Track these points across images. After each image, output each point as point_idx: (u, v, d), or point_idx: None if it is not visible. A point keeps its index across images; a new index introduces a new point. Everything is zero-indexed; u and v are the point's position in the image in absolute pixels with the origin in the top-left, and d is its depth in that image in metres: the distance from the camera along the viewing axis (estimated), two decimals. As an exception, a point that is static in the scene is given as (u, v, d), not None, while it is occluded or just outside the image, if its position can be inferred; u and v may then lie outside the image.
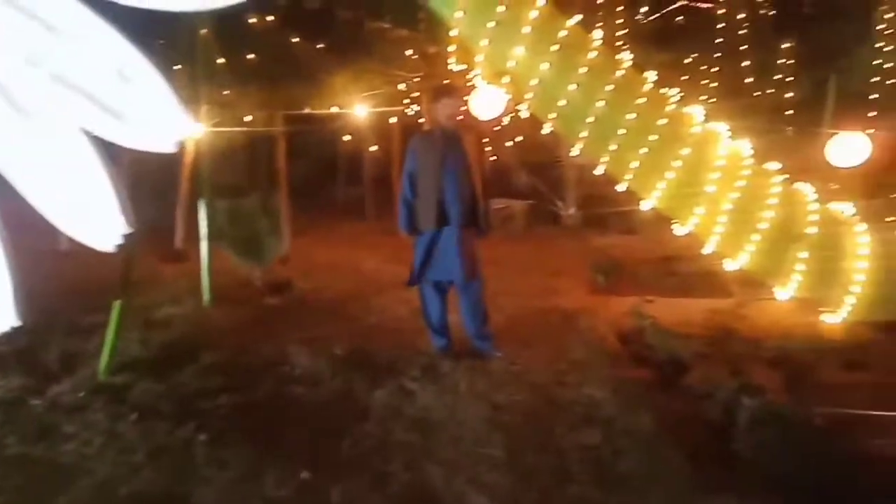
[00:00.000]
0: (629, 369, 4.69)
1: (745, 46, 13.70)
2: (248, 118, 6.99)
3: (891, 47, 11.18)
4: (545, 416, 3.86)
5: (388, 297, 6.08)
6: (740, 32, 13.83)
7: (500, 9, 4.83)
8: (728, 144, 5.06)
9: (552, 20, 4.98)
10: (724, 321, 5.19)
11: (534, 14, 4.86)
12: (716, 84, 11.97)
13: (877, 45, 11.73)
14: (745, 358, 4.71)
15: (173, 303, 5.68)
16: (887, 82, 11.42)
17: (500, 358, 4.67)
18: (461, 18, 4.91)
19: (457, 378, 4.31)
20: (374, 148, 8.26)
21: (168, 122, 2.94)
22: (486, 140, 10.23)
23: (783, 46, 13.36)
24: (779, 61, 13.39)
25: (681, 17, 15.75)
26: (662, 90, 5.10)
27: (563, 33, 4.90)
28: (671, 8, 16.30)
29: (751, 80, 12.42)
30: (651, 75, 5.06)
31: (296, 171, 10.04)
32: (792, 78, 12.16)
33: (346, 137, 7.59)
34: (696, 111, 5.08)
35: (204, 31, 6.09)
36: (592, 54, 4.92)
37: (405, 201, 4.74)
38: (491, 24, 4.86)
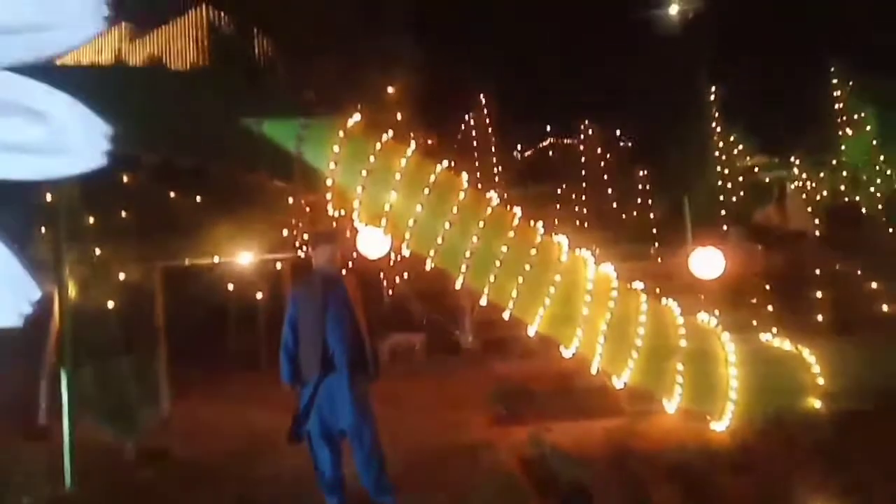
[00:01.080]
0: (530, 497, 4.56)
1: (607, 176, 15.04)
2: (122, 276, 6.67)
3: (727, 170, 12.68)
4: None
5: (280, 455, 5.62)
6: (602, 164, 15.27)
7: (371, 159, 5.06)
8: (595, 269, 5.37)
9: (422, 166, 5.27)
10: (620, 439, 5.23)
11: (404, 162, 5.12)
12: (585, 210, 12.94)
13: (717, 169, 13.28)
14: (643, 475, 4.74)
15: (29, 489, 4.96)
16: (732, 199, 12.84)
17: (401, 510, 4.38)
18: (335, 169, 5.08)
19: (353, 542, 3.97)
20: (259, 295, 8.08)
21: (15, 297, 2.71)
22: (383, 276, 10.40)
23: (640, 173, 14.77)
24: (638, 186, 14.73)
25: (551, 153, 17.30)
26: (530, 222, 5.42)
27: (432, 178, 5.16)
28: (542, 145, 17.92)
29: (615, 204, 13.52)
30: (518, 210, 5.38)
31: (181, 325, 9.51)
32: (650, 201, 13.38)
33: (230, 286, 7.40)
34: (563, 240, 5.40)
35: (69, 191, 5.91)
36: (462, 195, 5.19)
37: (286, 351, 4.56)
38: (364, 173, 5.06)
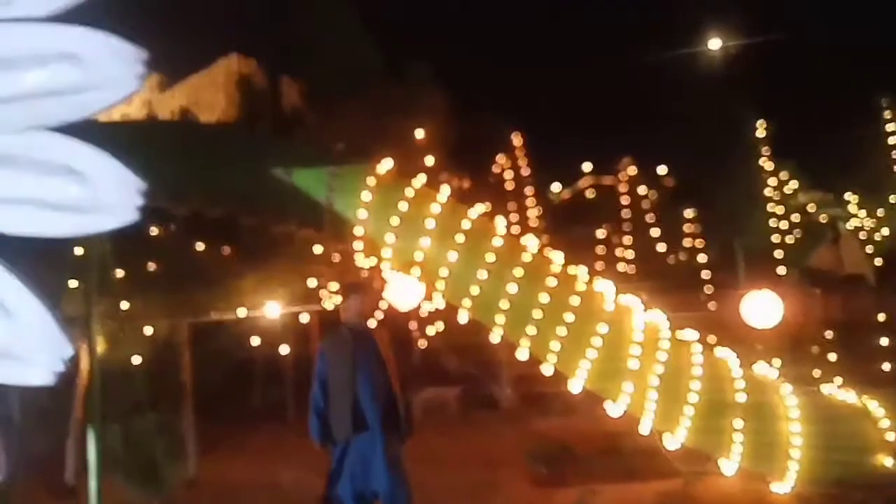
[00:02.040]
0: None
1: (651, 216, 14.89)
2: (149, 331, 6.82)
3: (781, 209, 12.48)
4: None
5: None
6: (644, 205, 15.14)
7: (403, 206, 5.15)
8: (643, 317, 5.29)
9: (455, 212, 5.33)
10: (673, 504, 5.05)
11: (436, 208, 5.19)
12: (629, 254, 12.80)
13: (768, 208, 13.07)
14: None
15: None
16: (786, 240, 12.58)
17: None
18: (365, 217, 5.18)
19: None
20: (285, 349, 8.15)
21: (49, 355, 2.80)
22: (415, 327, 10.41)
23: (687, 214, 14.59)
24: (685, 228, 14.53)
25: (589, 194, 17.25)
26: (571, 269, 5.40)
27: (466, 224, 5.22)
28: (579, 186, 17.90)
29: (661, 247, 13.33)
30: (558, 256, 5.37)
31: (208, 379, 9.60)
32: (699, 243, 13.15)
33: (256, 340, 7.49)
34: (607, 287, 5.36)
35: (99, 245, 6.13)
36: (498, 241, 5.22)
37: (316, 409, 4.56)
38: (395, 221, 5.14)
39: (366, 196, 5.23)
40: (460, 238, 5.16)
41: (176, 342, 7.10)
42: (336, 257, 5.90)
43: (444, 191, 5.47)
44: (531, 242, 5.40)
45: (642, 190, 15.28)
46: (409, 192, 5.33)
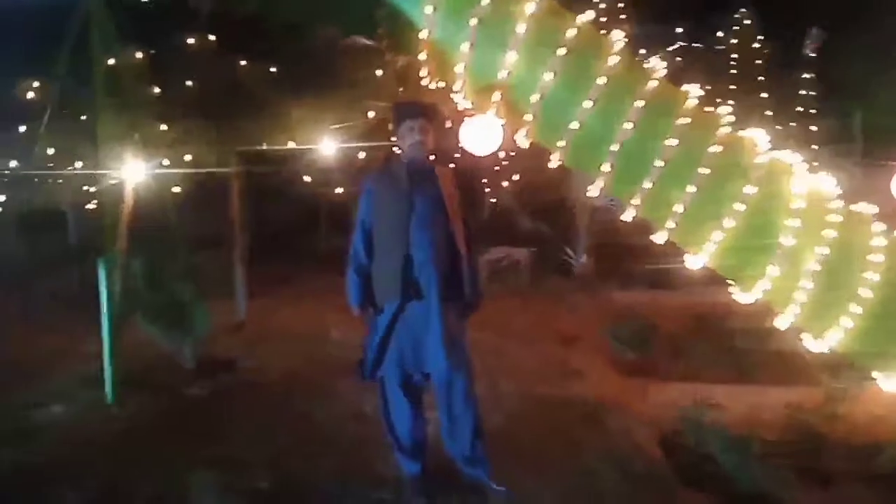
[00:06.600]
0: (677, 493, 3.24)
1: (761, 77, 12.57)
2: (189, 157, 5.60)
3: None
4: None
5: (350, 379, 4.55)
6: (754, 63, 12.72)
7: (483, 1, 3.45)
8: (806, 181, 3.57)
9: (556, 15, 3.59)
10: (809, 422, 3.68)
11: (531, 7, 3.46)
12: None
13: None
14: (840, 476, 3.28)
15: (63, 399, 4.17)
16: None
17: (498, 492, 3.16)
18: (432, 17, 3.52)
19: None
20: (339, 190, 6.85)
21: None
22: (485, 179, 8.94)
23: (804, 77, 12.19)
24: (799, 92, 12.25)
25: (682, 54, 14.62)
26: (711, 109, 3.67)
27: (571, 33, 3.49)
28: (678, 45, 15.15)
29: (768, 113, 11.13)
30: (694, 89, 3.63)
31: (269, 219, 8.66)
32: (814, 111, 10.94)
33: (307, 178, 6.24)
34: (759, 136, 3.62)
35: (134, 56, 4.85)
36: (612, 60, 3.50)
37: (357, 265, 3.28)
38: (472, 22, 3.46)
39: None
40: (561, 52, 3.45)
41: (222, 174, 5.88)
42: (395, 75, 4.30)
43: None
44: (660, 67, 3.63)
45: (757, 46, 12.80)
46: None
